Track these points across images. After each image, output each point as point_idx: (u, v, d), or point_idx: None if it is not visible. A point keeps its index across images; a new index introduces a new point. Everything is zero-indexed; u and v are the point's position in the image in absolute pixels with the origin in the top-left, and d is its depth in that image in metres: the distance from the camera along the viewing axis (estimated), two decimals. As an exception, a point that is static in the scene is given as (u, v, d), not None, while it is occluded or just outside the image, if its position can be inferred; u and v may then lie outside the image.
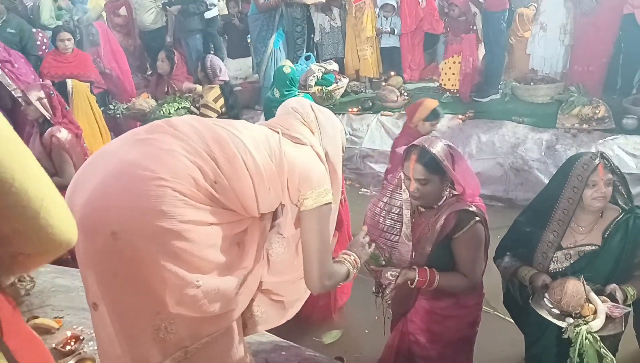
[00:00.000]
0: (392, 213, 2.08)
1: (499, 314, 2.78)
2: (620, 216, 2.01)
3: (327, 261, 1.49)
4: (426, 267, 1.97)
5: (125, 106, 5.25)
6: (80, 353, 1.95)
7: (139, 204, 1.17)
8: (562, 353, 1.90)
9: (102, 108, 4.85)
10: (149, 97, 5.36)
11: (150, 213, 1.17)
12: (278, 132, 1.47)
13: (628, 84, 5.12)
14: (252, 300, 1.51)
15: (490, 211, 3.34)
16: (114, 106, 5.23)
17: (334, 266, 1.54)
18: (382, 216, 2.09)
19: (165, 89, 5.44)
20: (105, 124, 4.21)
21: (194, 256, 1.23)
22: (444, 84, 5.66)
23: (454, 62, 5.47)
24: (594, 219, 2.04)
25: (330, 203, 1.47)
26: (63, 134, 3.08)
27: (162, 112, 4.88)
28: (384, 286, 2.12)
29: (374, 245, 1.86)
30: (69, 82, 3.82)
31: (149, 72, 6.91)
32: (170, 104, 5.07)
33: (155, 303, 1.23)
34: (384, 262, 1.98)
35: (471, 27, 5.30)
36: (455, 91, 5.50)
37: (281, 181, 1.40)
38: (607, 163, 1.96)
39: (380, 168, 5.29)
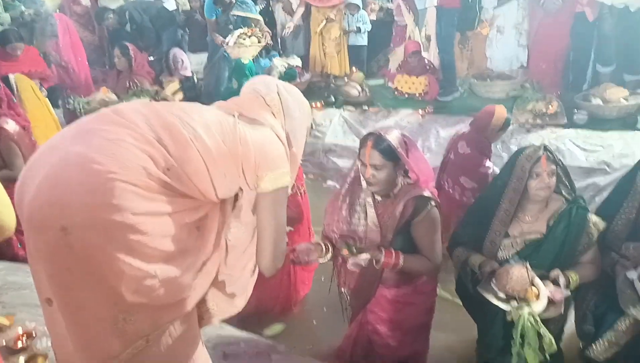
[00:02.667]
0: (357, 205, 2.13)
1: (450, 298, 2.85)
2: (564, 206, 2.11)
3: (281, 243, 1.49)
4: (391, 249, 2.03)
5: (86, 101, 5.10)
6: (32, 350, 1.92)
7: (89, 199, 1.14)
8: (508, 336, 1.99)
9: (59, 102, 4.70)
10: (108, 92, 5.24)
11: (101, 207, 1.14)
12: (234, 116, 1.42)
13: (579, 80, 5.32)
14: (206, 295, 1.48)
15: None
16: (73, 100, 5.09)
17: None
18: (348, 212, 2.14)
19: (127, 85, 5.33)
20: (55, 116, 4.08)
21: (149, 247, 1.21)
22: (401, 87, 5.74)
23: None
24: (539, 209, 2.13)
25: (287, 186, 1.46)
26: (10, 126, 3.00)
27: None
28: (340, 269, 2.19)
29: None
30: (11, 76, 3.68)
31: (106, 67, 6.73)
32: (131, 98, 4.97)
33: (112, 295, 1.20)
34: (355, 250, 2.04)
35: (427, 67, 5.53)
36: (417, 94, 5.60)
37: (236, 165, 1.37)
38: (549, 154, 2.06)
39: (343, 163, 5.33)
